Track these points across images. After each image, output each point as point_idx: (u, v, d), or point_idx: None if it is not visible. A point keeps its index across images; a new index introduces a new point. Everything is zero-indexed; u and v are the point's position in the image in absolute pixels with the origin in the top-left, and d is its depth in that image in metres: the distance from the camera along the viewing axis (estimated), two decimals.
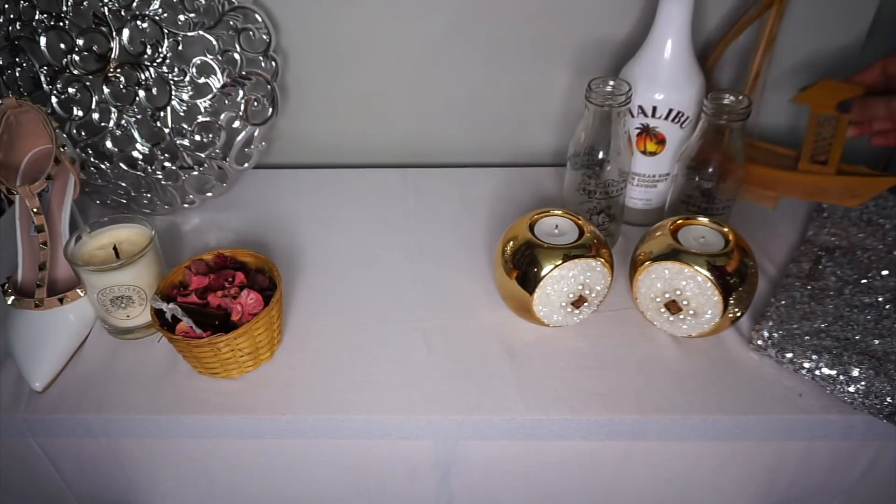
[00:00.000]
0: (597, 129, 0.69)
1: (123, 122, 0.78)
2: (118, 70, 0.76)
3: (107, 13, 0.74)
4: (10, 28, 0.76)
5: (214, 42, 0.76)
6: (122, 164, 0.80)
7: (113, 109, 0.77)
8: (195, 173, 0.82)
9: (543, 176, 0.92)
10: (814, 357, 0.60)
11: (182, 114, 0.78)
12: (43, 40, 0.75)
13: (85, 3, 0.75)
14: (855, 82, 0.67)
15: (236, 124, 0.80)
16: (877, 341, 0.61)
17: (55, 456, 0.64)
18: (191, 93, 0.77)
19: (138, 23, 0.74)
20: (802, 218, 0.81)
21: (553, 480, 0.65)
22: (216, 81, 0.77)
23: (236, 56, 0.77)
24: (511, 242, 0.64)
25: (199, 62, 0.76)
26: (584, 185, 0.73)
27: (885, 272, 0.69)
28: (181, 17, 0.75)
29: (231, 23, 0.76)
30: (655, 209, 0.80)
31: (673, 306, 0.62)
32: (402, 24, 0.84)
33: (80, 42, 0.75)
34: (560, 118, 0.92)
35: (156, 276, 0.65)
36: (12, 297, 0.66)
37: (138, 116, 0.78)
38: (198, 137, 0.79)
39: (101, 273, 0.62)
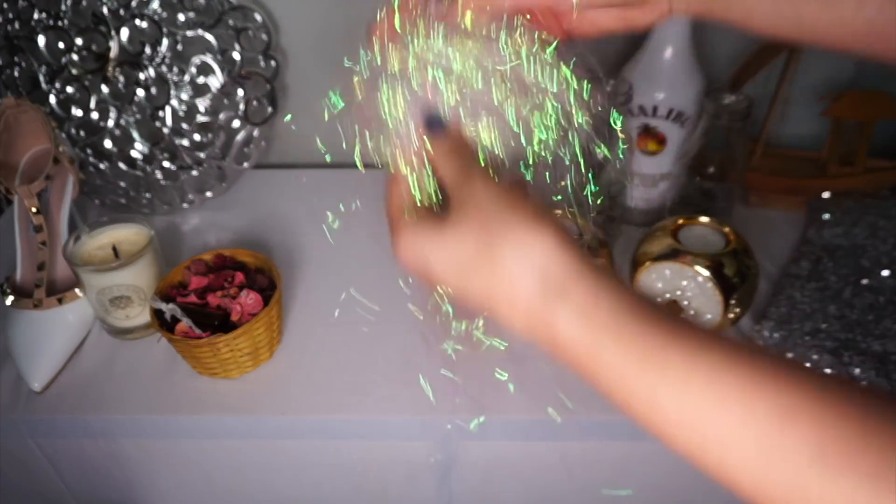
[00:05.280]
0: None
1: (122, 121, 0.78)
2: (117, 69, 0.75)
3: (106, 12, 0.74)
4: (9, 27, 0.76)
5: (214, 41, 0.76)
6: (121, 164, 0.80)
7: (112, 109, 0.77)
8: (195, 173, 0.81)
9: None
10: (814, 357, 0.60)
11: (181, 114, 0.77)
12: (42, 40, 0.75)
13: (84, 3, 0.75)
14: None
15: (236, 124, 0.80)
16: (877, 341, 0.61)
17: (54, 456, 0.64)
18: (190, 92, 0.77)
19: (137, 22, 0.74)
20: (803, 218, 0.81)
21: (552, 480, 0.65)
22: (216, 81, 0.77)
23: (236, 55, 0.77)
24: None
25: (198, 62, 0.76)
26: None
27: (885, 272, 0.69)
28: (180, 17, 0.75)
29: (230, 22, 0.75)
30: (655, 209, 0.80)
31: (674, 306, 0.62)
32: None
33: (78, 41, 0.75)
34: None
35: (155, 276, 0.65)
36: (11, 298, 0.66)
37: (137, 116, 0.77)
38: (197, 137, 0.79)
39: (100, 273, 0.62)
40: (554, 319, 0.30)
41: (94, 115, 0.77)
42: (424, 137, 0.37)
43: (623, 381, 0.29)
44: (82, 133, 0.78)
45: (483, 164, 0.37)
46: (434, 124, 0.38)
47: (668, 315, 0.30)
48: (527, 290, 0.31)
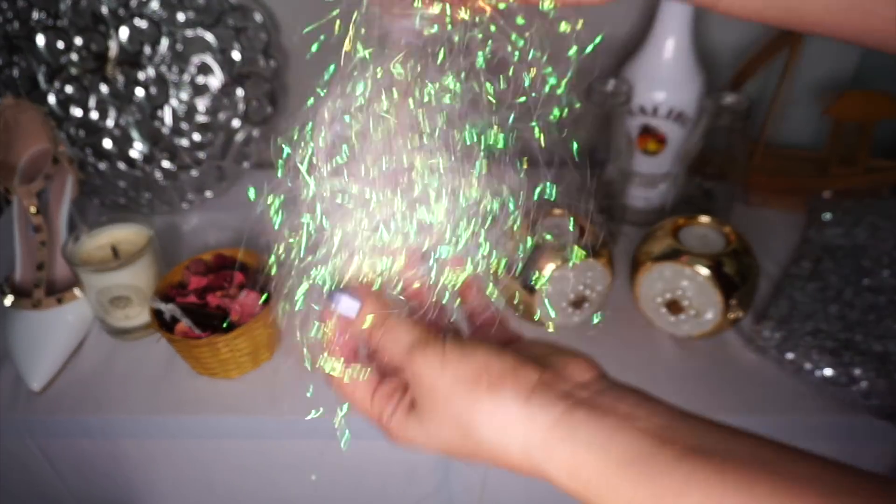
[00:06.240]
0: (597, 130, 0.69)
1: (122, 121, 0.77)
2: (116, 69, 0.75)
3: (105, 12, 0.74)
4: (8, 27, 0.76)
5: (214, 41, 0.76)
6: (120, 164, 0.80)
7: (111, 109, 0.77)
8: (194, 173, 0.81)
9: None
10: (815, 357, 0.60)
11: (181, 114, 0.77)
12: (41, 39, 0.75)
13: (83, 2, 0.75)
14: None
15: (236, 124, 0.80)
16: (878, 342, 0.61)
17: (53, 456, 0.64)
18: (190, 92, 0.77)
19: (136, 21, 0.74)
20: (803, 218, 0.81)
21: None
22: (215, 81, 0.77)
23: (236, 55, 0.77)
24: None
25: (198, 62, 0.76)
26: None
27: (885, 272, 0.69)
28: (180, 16, 0.75)
29: (230, 22, 0.75)
30: (656, 209, 0.80)
31: (674, 306, 0.62)
32: None
33: (78, 41, 0.75)
34: None
35: (154, 276, 0.65)
36: (10, 297, 0.65)
37: (137, 116, 0.77)
38: (197, 137, 0.79)
39: (99, 273, 0.62)
40: (546, 476, 0.32)
41: (94, 115, 0.77)
42: (337, 318, 0.38)
43: None
44: (82, 133, 0.78)
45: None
46: (340, 299, 0.37)
47: (662, 452, 0.30)
48: (512, 462, 0.32)
